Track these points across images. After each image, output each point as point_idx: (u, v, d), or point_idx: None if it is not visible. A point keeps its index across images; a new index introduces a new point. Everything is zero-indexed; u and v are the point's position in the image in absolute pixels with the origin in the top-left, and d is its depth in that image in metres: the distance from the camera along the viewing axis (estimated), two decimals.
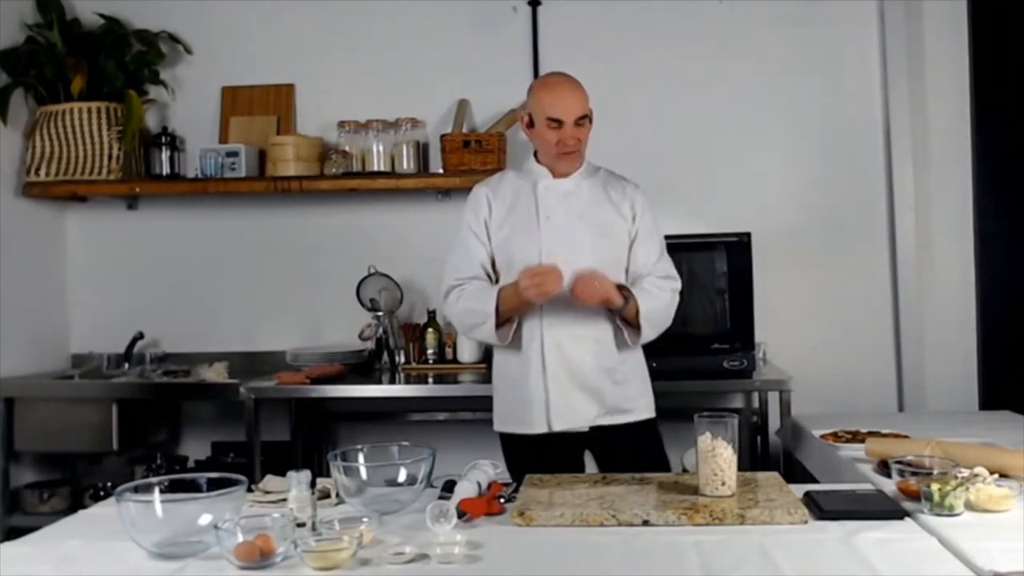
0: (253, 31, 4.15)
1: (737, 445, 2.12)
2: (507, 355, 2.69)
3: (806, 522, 1.93)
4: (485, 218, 2.66)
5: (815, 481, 2.66)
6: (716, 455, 2.08)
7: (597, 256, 2.57)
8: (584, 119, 2.57)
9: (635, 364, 2.70)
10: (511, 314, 2.58)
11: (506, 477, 2.26)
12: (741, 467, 2.14)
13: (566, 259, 2.52)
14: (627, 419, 2.64)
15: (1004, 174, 3.97)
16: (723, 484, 2.07)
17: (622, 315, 2.57)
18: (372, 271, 3.90)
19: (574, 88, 2.59)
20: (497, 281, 2.67)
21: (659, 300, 2.60)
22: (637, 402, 2.68)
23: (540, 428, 2.61)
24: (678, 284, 2.69)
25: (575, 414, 2.60)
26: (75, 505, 3.74)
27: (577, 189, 2.64)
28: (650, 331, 2.60)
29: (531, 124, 2.62)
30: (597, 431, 2.62)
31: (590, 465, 2.73)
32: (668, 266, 2.69)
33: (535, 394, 2.61)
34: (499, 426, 2.74)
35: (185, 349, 4.14)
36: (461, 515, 1.95)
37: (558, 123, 2.54)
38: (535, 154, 2.70)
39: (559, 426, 2.59)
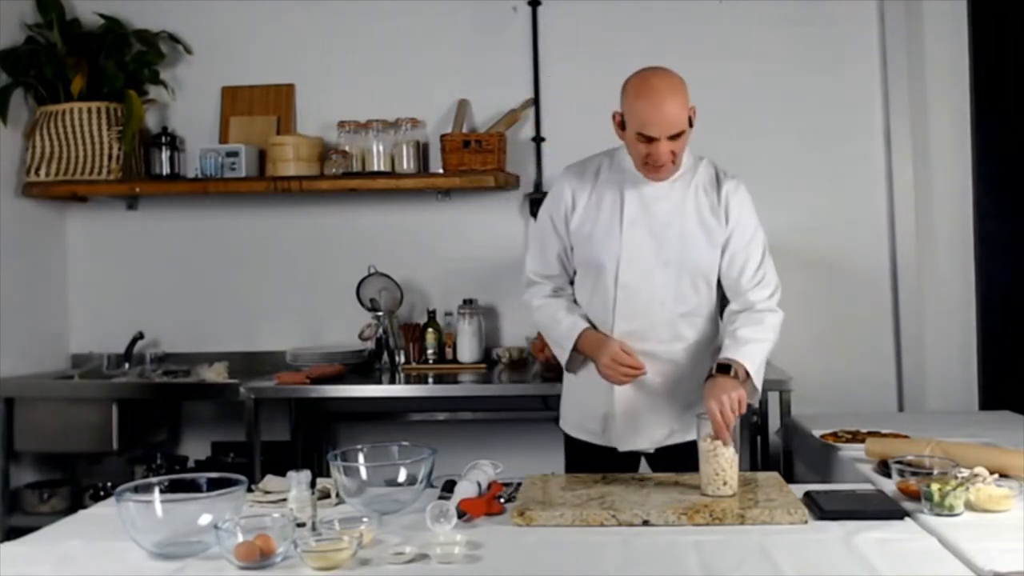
0: (253, 31, 4.15)
1: (738, 445, 2.12)
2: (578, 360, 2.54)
3: (806, 522, 1.93)
4: (566, 210, 2.48)
5: (815, 481, 2.66)
6: (718, 455, 2.08)
7: (682, 268, 2.41)
8: (681, 132, 2.32)
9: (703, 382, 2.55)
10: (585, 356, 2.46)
11: (506, 477, 2.26)
12: (741, 467, 2.14)
13: (648, 268, 2.40)
14: (690, 437, 2.42)
15: (1004, 174, 3.97)
16: (724, 484, 2.07)
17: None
18: (372, 271, 3.90)
19: (674, 99, 2.30)
20: (574, 274, 2.54)
21: (757, 342, 2.35)
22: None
23: (601, 442, 2.50)
24: (773, 304, 2.44)
25: (641, 436, 2.47)
26: (75, 505, 3.74)
27: (668, 194, 2.43)
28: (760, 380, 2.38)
29: (623, 126, 2.38)
30: (661, 449, 2.49)
31: None
32: (769, 275, 2.45)
33: (600, 410, 2.48)
34: (564, 426, 2.64)
35: (185, 349, 4.14)
36: (461, 515, 1.95)
37: (649, 139, 2.31)
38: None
39: (623, 447, 2.48)
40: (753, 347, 2.35)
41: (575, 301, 2.55)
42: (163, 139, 4.08)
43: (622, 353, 2.35)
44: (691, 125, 2.36)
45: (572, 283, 2.58)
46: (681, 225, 2.42)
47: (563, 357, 2.51)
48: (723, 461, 2.07)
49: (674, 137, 2.31)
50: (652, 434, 2.48)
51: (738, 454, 2.11)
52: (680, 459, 2.40)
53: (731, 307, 2.47)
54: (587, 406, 2.53)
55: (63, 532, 2.02)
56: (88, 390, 3.83)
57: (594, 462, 2.46)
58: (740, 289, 2.45)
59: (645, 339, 2.42)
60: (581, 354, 2.48)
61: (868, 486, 2.22)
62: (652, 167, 2.37)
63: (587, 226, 2.46)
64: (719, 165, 2.53)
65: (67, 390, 3.85)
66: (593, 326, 2.46)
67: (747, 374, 2.31)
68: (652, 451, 2.50)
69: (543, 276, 2.57)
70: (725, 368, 2.29)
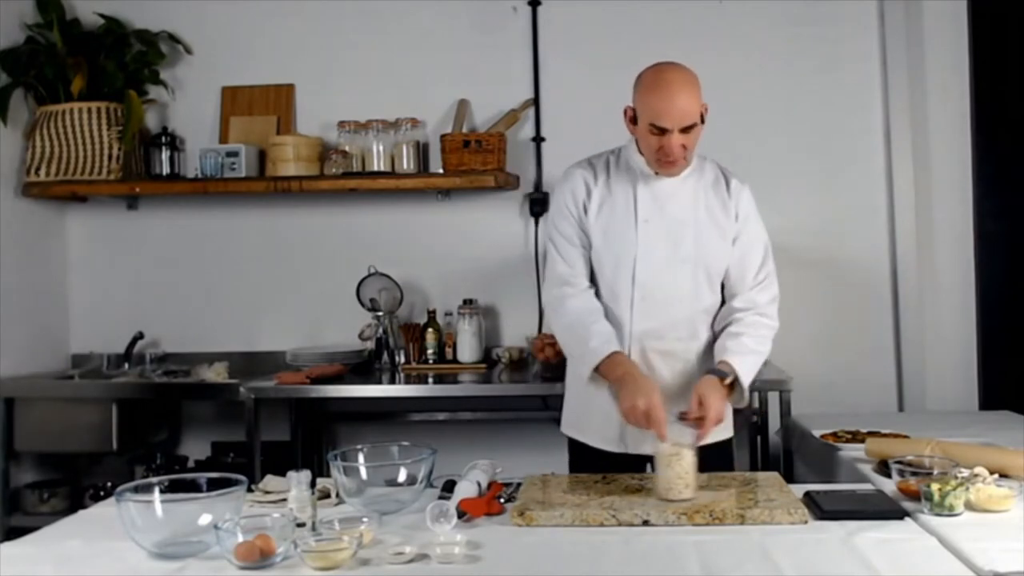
0: (253, 31, 4.14)
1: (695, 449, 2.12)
2: None
3: (806, 522, 1.93)
4: (584, 200, 2.43)
5: (815, 481, 2.66)
6: (682, 458, 2.07)
7: (698, 265, 2.39)
8: (693, 125, 2.30)
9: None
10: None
11: (506, 477, 2.26)
12: (741, 467, 2.14)
13: (664, 265, 2.37)
14: (705, 441, 2.32)
15: (1004, 174, 3.97)
16: (687, 487, 2.06)
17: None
18: (372, 271, 3.90)
19: (686, 91, 2.29)
20: (592, 279, 2.44)
21: (757, 355, 2.37)
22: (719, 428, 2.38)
23: (615, 447, 2.43)
24: (774, 311, 2.45)
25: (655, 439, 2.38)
26: (75, 505, 3.74)
27: (679, 191, 2.42)
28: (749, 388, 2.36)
29: (634, 120, 2.37)
30: None
31: None
32: (771, 278, 2.46)
33: (615, 411, 2.34)
34: (569, 431, 2.57)
35: (185, 349, 4.14)
36: (461, 515, 1.95)
37: (662, 131, 2.29)
38: (637, 143, 2.43)
39: (636, 449, 2.40)
40: (754, 360, 2.37)
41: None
42: (163, 139, 4.07)
43: (644, 411, 2.19)
44: (703, 121, 2.35)
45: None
46: (695, 222, 2.41)
47: (584, 373, 2.36)
48: (686, 464, 2.07)
49: (686, 130, 2.29)
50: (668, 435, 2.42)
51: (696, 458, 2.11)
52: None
53: (733, 304, 2.45)
54: (600, 407, 2.42)
55: (63, 532, 2.02)
56: (88, 390, 3.83)
57: (601, 467, 2.39)
58: (743, 287, 2.44)
59: (663, 337, 2.40)
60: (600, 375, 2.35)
61: (868, 486, 2.22)
62: (664, 162, 2.35)
63: (602, 220, 2.43)
64: (723, 166, 2.53)
65: (67, 390, 3.85)
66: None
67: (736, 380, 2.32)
68: None
69: (575, 279, 2.43)
70: (723, 374, 2.30)
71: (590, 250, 2.45)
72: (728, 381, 2.30)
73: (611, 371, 2.31)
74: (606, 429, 2.45)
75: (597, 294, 2.45)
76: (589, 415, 2.50)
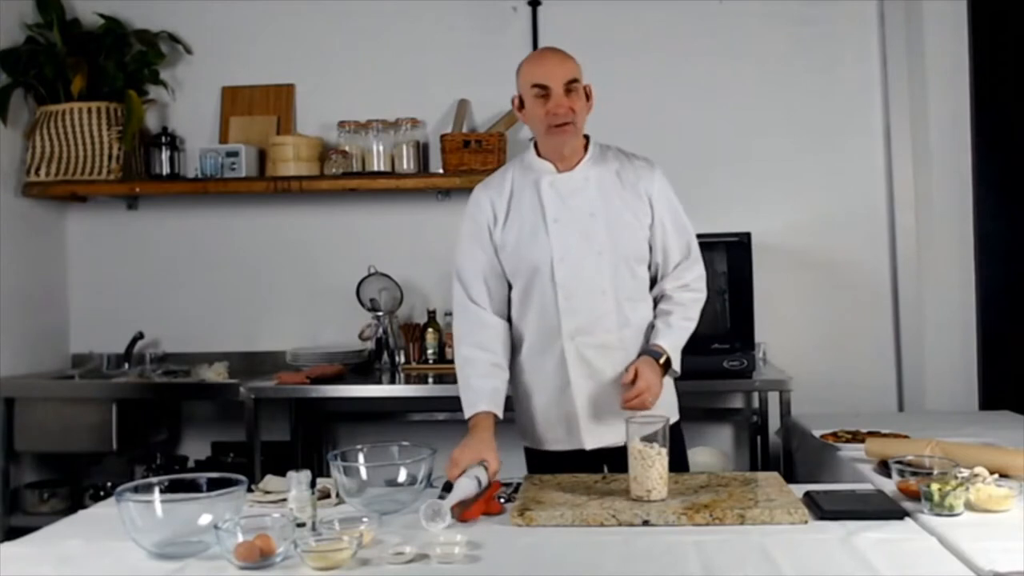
0: (253, 31, 4.15)
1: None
2: (527, 366, 2.47)
3: (806, 522, 1.93)
4: (488, 222, 2.45)
5: (815, 481, 2.66)
6: (663, 458, 2.07)
7: (616, 254, 2.39)
8: (575, 84, 2.36)
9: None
10: None
11: (506, 477, 2.25)
12: (741, 467, 2.14)
13: (580, 262, 2.38)
14: (646, 410, 2.35)
15: (1004, 174, 3.97)
16: (664, 486, 2.07)
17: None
18: (372, 271, 3.90)
19: (559, 54, 2.40)
20: (510, 288, 2.47)
21: (684, 330, 2.45)
22: (661, 408, 2.41)
23: (573, 446, 2.42)
24: (702, 285, 2.50)
25: (608, 431, 2.39)
26: (75, 505, 3.74)
27: (585, 183, 2.42)
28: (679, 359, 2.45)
29: (522, 105, 2.42)
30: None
31: None
32: (694, 261, 2.49)
33: (563, 412, 2.41)
34: (525, 440, 2.56)
35: (185, 349, 4.14)
36: (456, 514, 1.95)
37: (544, 91, 2.34)
38: (535, 146, 2.48)
39: (592, 444, 2.42)
40: (681, 334, 2.45)
41: (509, 319, 2.48)
42: (163, 139, 4.08)
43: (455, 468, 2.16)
44: (588, 99, 2.42)
45: (509, 300, 2.49)
46: (606, 212, 2.41)
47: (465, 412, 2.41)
48: (665, 463, 2.07)
49: (569, 90, 2.35)
50: (620, 428, 2.36)
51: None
52: None
53: (663, 284, 2.48)
54: (546, 415, 2.45)
55: (63, 532, 2.02)
56: (88, 390, 3.83)
57: (556, 468, 2.39)
58: (668, 268, 2.48)
59: (593, 332, 2.40)
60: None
61: (868, 486, 2.22)
62: (555, 127, 2.36)
63: (512, 232, 2.44)
64: (626, 150, 2.54)
65: (67, 390, 3.85)
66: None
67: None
68: (621, 444, 2.40)
69: (471, 299, 2.46)
70: (656, 354, 2.38)
71: (498, 262, 2.45)
72: (662, 361, 2.37)
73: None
74: (551, 431, 2.46)
75: (514, 305, 2.47)
76: (539, 421, 2.49)
